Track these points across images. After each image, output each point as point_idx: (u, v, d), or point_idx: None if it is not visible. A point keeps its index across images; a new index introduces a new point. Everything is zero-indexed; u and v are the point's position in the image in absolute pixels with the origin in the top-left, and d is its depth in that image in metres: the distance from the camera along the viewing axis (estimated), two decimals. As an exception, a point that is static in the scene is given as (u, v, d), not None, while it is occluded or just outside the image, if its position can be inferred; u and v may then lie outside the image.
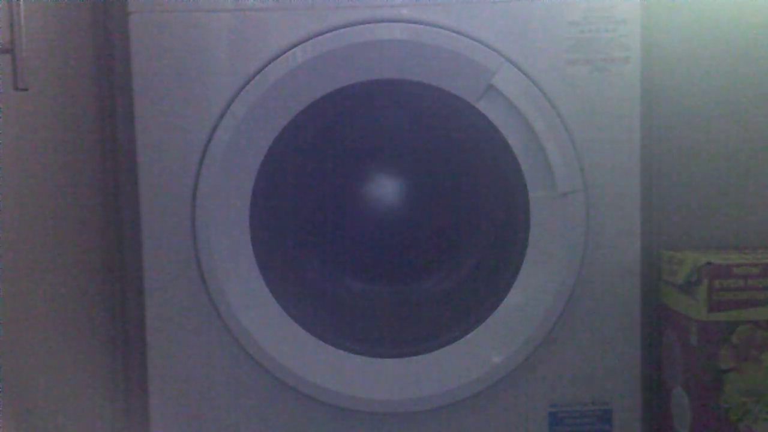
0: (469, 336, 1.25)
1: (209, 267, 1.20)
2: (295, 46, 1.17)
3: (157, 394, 1.24)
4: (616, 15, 1.20)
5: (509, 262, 1.25)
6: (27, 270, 1.24)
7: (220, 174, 1.18)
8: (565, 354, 1.25)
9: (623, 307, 1.24)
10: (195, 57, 1.18)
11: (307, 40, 1.17)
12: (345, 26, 1.18)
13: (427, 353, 1.25)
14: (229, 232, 1.20)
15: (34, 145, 1.23)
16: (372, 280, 1.36)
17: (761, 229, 1.34)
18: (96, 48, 1.33)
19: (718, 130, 1.33)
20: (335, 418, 1.25)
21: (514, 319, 1.23)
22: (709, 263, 1.16)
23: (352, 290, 1.36)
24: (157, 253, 1.21)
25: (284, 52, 1.17)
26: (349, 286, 1.36)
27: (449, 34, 1.18)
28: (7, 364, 1.20)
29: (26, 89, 1.11)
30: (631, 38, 1.20)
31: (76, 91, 1.29)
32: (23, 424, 1.25)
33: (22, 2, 1.11)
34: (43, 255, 1.26)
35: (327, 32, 1.17)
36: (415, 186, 1.36)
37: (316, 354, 1.24)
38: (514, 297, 1.24)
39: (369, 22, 1.18)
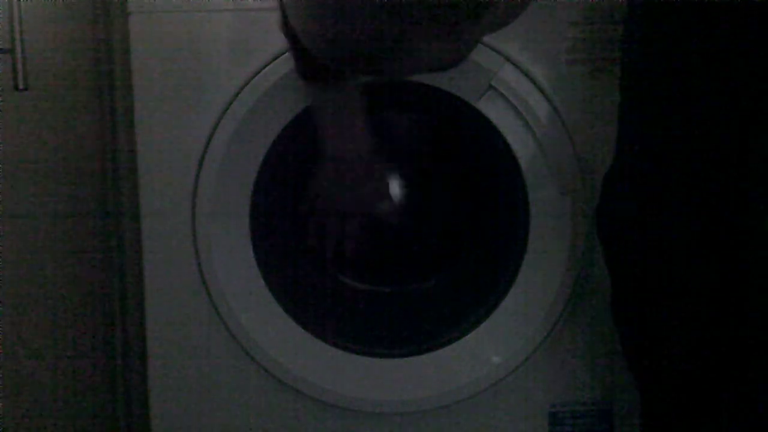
0: (469, 336, 1.25)
1: (209, 267, 1.20)
2: (295, 46, 1.17)
3: (157, 394, 1.24)
4: (616, 15, 1.20)
5: (509, 262, 1.25)
6: (27, 270, 1.24)
7: (220, 174, 1.18)
8: (565, 354, 1.25)
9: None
10: (195, 57, 1.18)
11: (307, 40, 1.17)
12: (345, 26, 1.18)
13: (427, 353, 1.25)
14: (229, 232, 1.20)
15: (34, 145, 1.23)
16: (372, 280, 1.36)
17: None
18: (96, 48, 1.33)
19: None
20: (335, 418, 1.25)
21: (514, 319, 1.23)
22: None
23: (352, 290, 1.36)
24: (157, 253, 1.21)
25: (284, 52, 1.17)
26: (349, 286, 1.36)
27: (449, 34, 1.18)
28: (7, 364, 1.20)
29: (26, 89, 1.11)
30: (631, 38, 1.20)
31: (76, 91, 1.29)
32: (23, 424, 1.25)
33: (22, 2, 1.11)
34: (43, 255, 1.26)
35: (327, 32, 1.17)
36: (415, 186, 1.36)
37: (316, 354, 1.23)
38: (514, 297, 1.23)
39: (369, 22, 1.18)
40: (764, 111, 0.91)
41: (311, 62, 0.97)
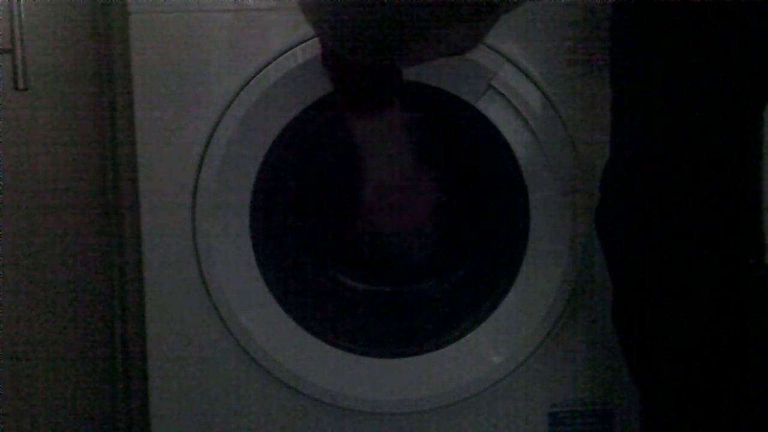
0: (469, 336, 1.25)
1: (209, 267, 1.20)
2: (295, 46, 1.17)
3: (157, 394, 1.24)
4: (616, 15, 1.20)
5: (509, 262, 1.25)
6: (27, 269, 1.24)
7: (220, 174, 1.18)
8: (565, 354, 1.25)
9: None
10: (195, 57, 1.18)
11: (307, 40, 1.17)
12: (345, 26, 1.18)
13: (427, 353, 1.25)
14: (229, 232, 1.20)
15: (34, 145, 1.23)
16: (372, 280, 1.36)
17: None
18: (96, 48, 1.33)
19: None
20: (335, 418, 1.25)
21: (514, 319, 1.23)
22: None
23: (352, 290, 1.36)
24: (157, 253, 1.21)
25: (284, 52, 1.17)
26: (349, 286, 1.36)
27: (449, 34, 1.18)
28: (7, 364, 1.20)
29: (26, 89, 1.11)
30: (631, 38, 1.20)
31: (76, 91, 1.29)
32: (23, 424, 1.25)
33: (22, 2, 1.11)
34: (43, 255, 1.26)
35: (327, 32, 1.17)
36: (415, 186, 1.36)
37: (316, 354, 1.23)
38: (514, 297, 1.23)
39: (369, 22, 1.18)
40: (758, 105, 0.91)
41: (354, 90, 0.99)
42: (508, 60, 1.18)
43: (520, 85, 1.18)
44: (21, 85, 1.12)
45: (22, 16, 1.11)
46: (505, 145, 1.20)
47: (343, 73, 1.07)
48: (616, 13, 0.98)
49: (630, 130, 0.96)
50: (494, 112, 1.19)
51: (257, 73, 1.17)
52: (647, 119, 0.93)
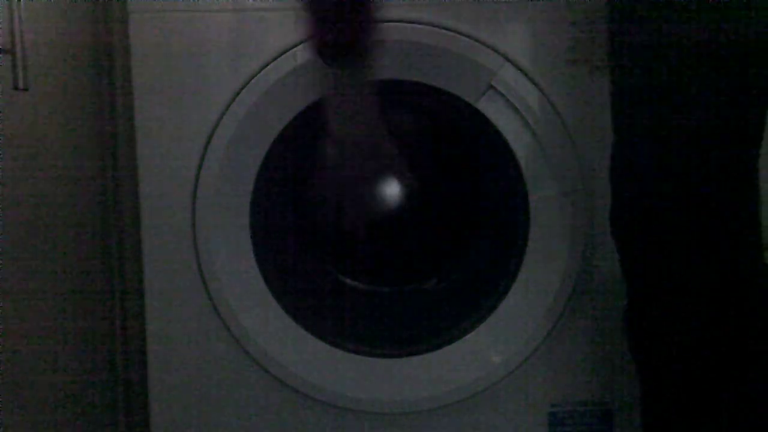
0: (469, 336, 1.25)
1: (209, 267, 1.20)
2: (295, 46, 1.17)
3: (157, 394, 1.24)
4: (616, 15, 1.20)
5: (509, 262, 1.25)
6: (27, 270, 1.24)
7: (220, 174, 1.18)
8: (565, 354, 1.25)
9: (623, 307, 1.24)
10: (195, 57, 1.18)
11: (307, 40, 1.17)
12: (345, 26, 1.18)
13: (427, 353, 1.25)
14: (229, 232, 1.20)
15: (35, 145, 1.23)
16: (372, 280, 1.36)
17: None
18: (96, 48, 1.33)
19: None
20: (335, 418, 1.25)
21: (514, 319, 1.23)
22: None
23: (352, 290, 1.36)
24: (157, 253, 1.21)
25: (284, 52, 1.17)
26: (349, 285, 1.36)
27: (449, 34, 1.18)
28: (7, 364, 1.20)
29: (26, 89, 1.11)
30: (631, 38, 1.20)
31: (76, 91, 1.29)
32: (23, 424, 1.25)
33: (22, 2, 1.11)
34: (43, 255, 1.26)
35: (327, 32, 1.17)
36: (415, 186, 1.36)
37: (316, 354, 1.24)
38: (514, 297, 1.23)
39: (369, 22, 1.18)
40: (761, 105, 0.91)
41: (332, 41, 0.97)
42: (508, 60, 1.19)
43: (520, 85, 1.19)
44: (21, 85, 1.11)
45: (22, 16, 1.11)
46: (505, 145, 1.20)
47: (322, 17, 1.02)
48: (613, 10, 0.98)
49: (629, 123, 0.96)
50: (494, 112, 1.19)
51: (257, 73, 1.18)
52: (648, 118, 0.93)
